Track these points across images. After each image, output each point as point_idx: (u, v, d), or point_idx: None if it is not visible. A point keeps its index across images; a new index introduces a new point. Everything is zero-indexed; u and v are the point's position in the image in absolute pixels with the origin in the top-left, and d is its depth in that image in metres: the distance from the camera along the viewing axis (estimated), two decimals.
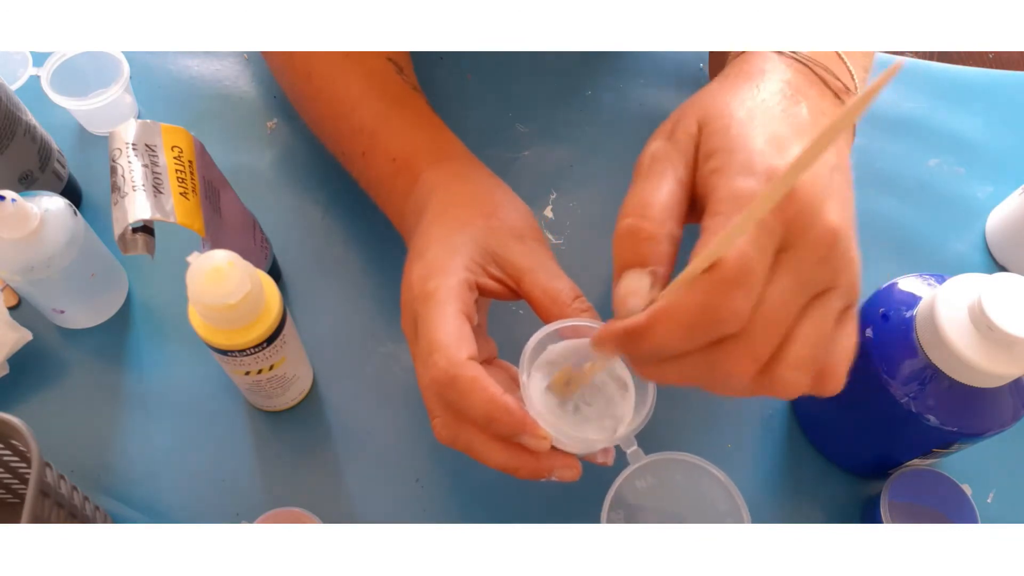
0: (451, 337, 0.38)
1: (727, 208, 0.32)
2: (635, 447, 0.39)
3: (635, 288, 0.32)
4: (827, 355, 0.33)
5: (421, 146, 0.48)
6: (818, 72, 0.38)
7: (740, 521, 0.41)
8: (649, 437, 0.40)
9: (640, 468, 0.41)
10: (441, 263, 0.40)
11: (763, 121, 0.34)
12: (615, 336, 0.33)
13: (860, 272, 0.33)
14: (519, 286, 0.42)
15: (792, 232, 0.31)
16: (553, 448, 0.38)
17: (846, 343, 0.34)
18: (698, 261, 0.30)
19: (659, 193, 0.34)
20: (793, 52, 0.38)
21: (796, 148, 0.33)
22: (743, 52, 0.40)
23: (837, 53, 0.39)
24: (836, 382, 0.34)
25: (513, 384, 0.41)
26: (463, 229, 0.42)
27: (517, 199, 0.47)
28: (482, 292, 0.42)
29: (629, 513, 0.43)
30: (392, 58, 0.52)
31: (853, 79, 0.39)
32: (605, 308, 0.42)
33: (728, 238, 0.29)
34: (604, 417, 0.40)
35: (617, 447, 0.40)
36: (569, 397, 0.40)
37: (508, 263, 0.42)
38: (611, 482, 0.42)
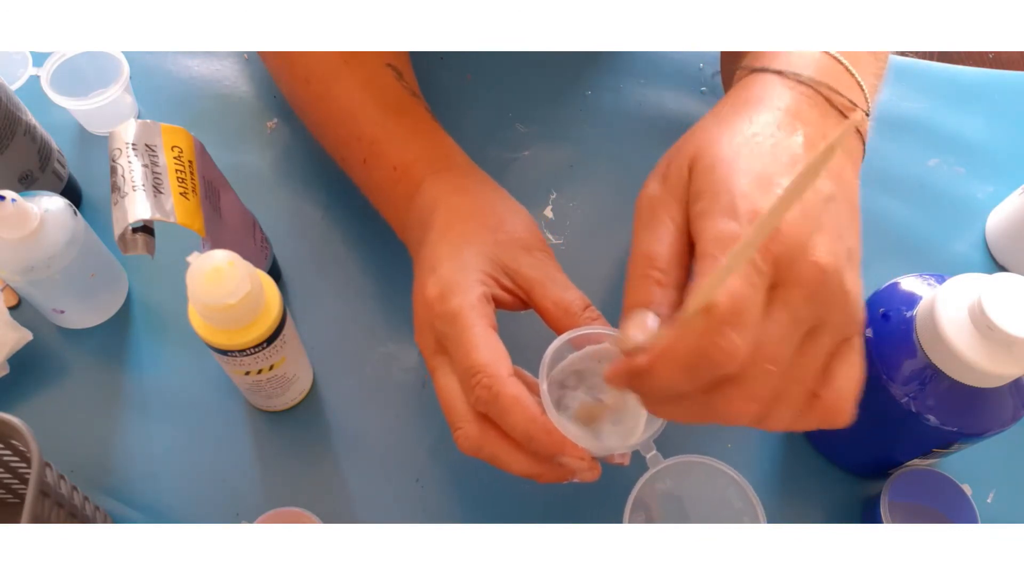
0: (489, 356, 0.39)
1: (713, 250, 0.32)
2: (654, 452, 0.41)
3: (639, 324, 0.33)
4: (829, 390, 0.33)
5: (421, 155, 0.49)
6: (821, 91, 0.38)
7: (755, 519, 0.42)
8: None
9: (659, 471, 0.42)
10: (457, 280, 0.41)
11: (750, 159, 0.34)
12: (623, 375, 0.34)
13: (857, 302, 0.33)
14: (530, 297, 0.43)
15: (780, 270, 0.31)
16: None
17: (847, 376, 0.33)
18: (691, 304, 0.31)
19: (660, 244, 0.35)
20: (796, 73, 0.38)
21: (784, 184, 0.33)
22: (745, 75, 0.40)
23: (845, 67, 0.39)
24: (841, 416, 0.34)
25: (533, 389, 0.41)
26: (472, 244, 0.43)
27: (520, 208, 0.47)
28: (495, 304, 0.43)
29: (649, 515, 0.43)
30: (391, 63, 0.52)
31: (862, 89, 0.39)
32: (606, 309, 0.42)
33: (716, 281, 0.30)
34: (623, 419, 0.41)
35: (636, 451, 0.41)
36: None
37: (518, 275, 0.43)
38: (627, 485, 0.43)
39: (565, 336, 0.40)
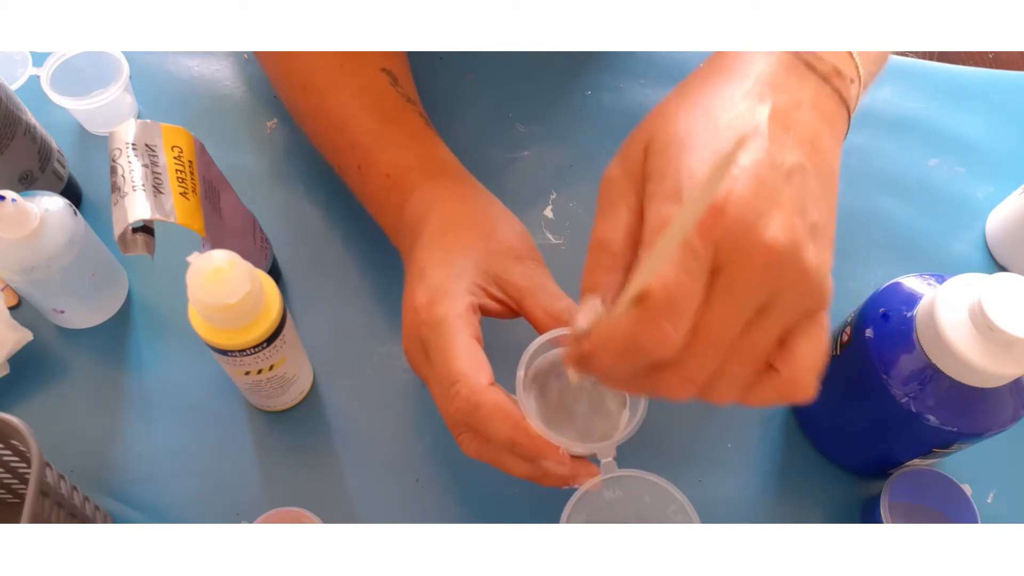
0: (469, 365, 0.39)
1: (653, 236, 0.32)
2: (610, 459, 0.41)
3: (587, 312, 0.33)
4: (788, 365, 0.33)
5: (414, 162, 0.49)
6: (802, 56, 0.36)
7: None
8: (648, 437, 0.40)
9: (611, 479, 0.41)
10: (446, 288, 0.41)
11: (704, 136, 0.33)
12: (571, 359, 0.34)
13: (820, 277, 0.32)
14: (520, 307, 0.43)
15: (724, 253, 0.31)
16: (574, 458, 0.40)
17: (808, 352, 0.33)
18: (626, 292, 0.31)
19: (614, 228, 0.34)
20: None
21: (744, 160, 0.32)
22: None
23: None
24: (801, 390, 0.33)
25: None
26: (463, 252, 0.43)
27: (512, 217, 0.47)
28: (484, 312, 0.43)
29: (590, 519, 0.43)
30: (387, 68, 0.52)
31: (853, 58, 0.37)
32: None
33: (649, 267, 0.29)
34: (595, 415, 0.41)
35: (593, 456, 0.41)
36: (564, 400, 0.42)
37: (509, 284, 0.43)
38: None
39: (544, 337, 0.41)
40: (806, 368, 0.33)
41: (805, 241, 0.31)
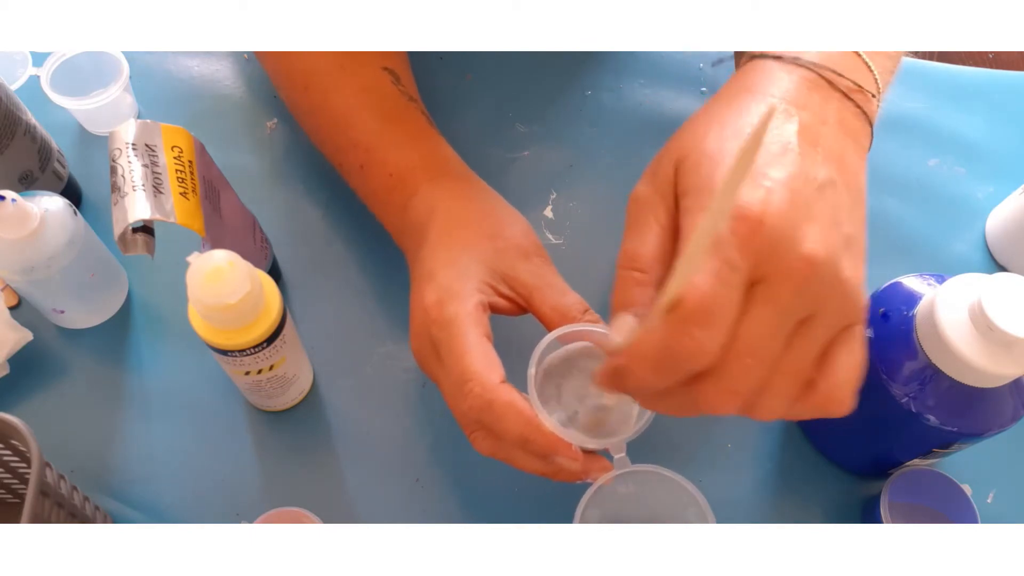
0: (481, 363, 0.39)
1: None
2: (623, 454, 0.41)
3: (619, 325, 0.33)
4: (826, 380, 0.33)
5: (417, 161, 0.49)
6: (823, 74, 0.37)
7: None
8: (649, 437, 0.40)
9: (624, 475, 0.41)
10: (455, 288, 0.41)
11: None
12: (606, 376, 0.34)
13: (856, 290, 0.32)
14: (529, 304, 0.43)
15: (763, 264, 0.31)
16: (586, 454, 0.40)
17: (846, 365, 0.33)
18: (660, 302, 0.31)
19: (644, 244, 0.35)
20: (795, 57, 0.37)
21: (778, 174, 0.32)
22: (745, 62, 0.39)
23: (855, 52, 0.38)
24: (839, 404, 0.33)
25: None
26: (470, 251, 0.43)
27: (516, 214, 0.47)
28: (493, 311, 0.43)
29: (604, 515, 0.43)
30: (388, 67, 0.52)
31: (872, 72, 0.38)
32: (606, 309, 0.42)
33: (680, 276, 0.29)
34: (607, 411, 0.41)
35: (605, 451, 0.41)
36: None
37: (517, 282, 0.43)
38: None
39: (554, 333, 0.41)
40: (845, 382, 0.33)
41: (841, 254, 0.32)
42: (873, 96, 0.38)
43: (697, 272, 0.30)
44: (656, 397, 0.34)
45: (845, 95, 0.37)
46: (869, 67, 0.38)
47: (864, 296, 0.33)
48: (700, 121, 0.36)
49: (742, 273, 0.30)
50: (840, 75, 0.37)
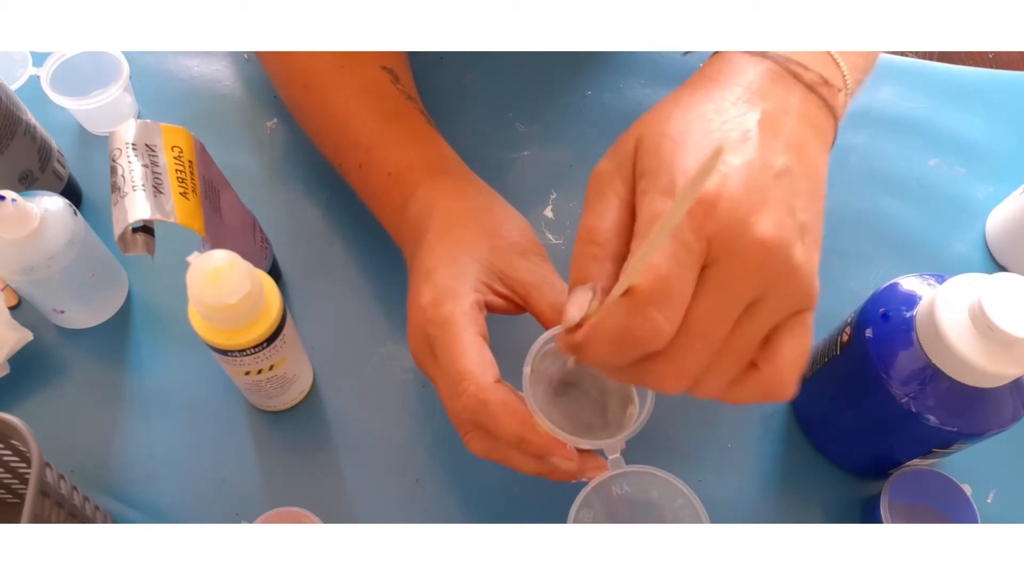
0: (476, 363, 0.39)
1: (647, 230, 0.32)
2: (617, 455, 0.41)
3: (578, 302, 0.34)
4: (770, 363, 0.33)
5: (416, 160, 0.49)
6: (789, 67, 0.37)
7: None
8: (649, 436, 0.40)
9: (618, 475, 0.41)
10: (451, 287, 0.41)
11: (697, 137, 0.34)
12: (564, 347, 0.35)
13: (808, 277, 0.32)
14: (526, 302, 0.43)
15: (716, 247, 0.31)
16: (581, 453, 0.40)
17: (791, 350, 0.33)
18: (619, 283, 0.31)
19: (602, 219, 0.35)
20: (763, 51, 0.37)
21: (735, 160, 0.32)
22: (714, 53, 0.40)
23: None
24: (782, 389, 0.34)
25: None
26: (468, 250, 0.43)
27: (515, 213, 0.47)
28: (490, 310, 0.43)
29: (597, 515, 0.43)
30: (388, 67, 0.52)
31: (840, 66, 0.38)
32: None
33: (641, 259, 0.30)
34: (602, 411, 0.42)
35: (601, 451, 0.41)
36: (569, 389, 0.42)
37: (515, 281, 0.43)
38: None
39: (550, 332, 0.41)
40: (788, 366, 0.33)
41: (795, 240, 0.32)
42: (840, 91, 0.38)
43: (656, 258, 0.30)
44: (610, 370, 0.35)
45: (810, 88, 0.37)
46: (837, 62, 0.38)
47: (816, 284, 0.33)
48: (664, 105, 0.37)
49: (696, 255, 0.31)
50: (806, 68, 0.37)
